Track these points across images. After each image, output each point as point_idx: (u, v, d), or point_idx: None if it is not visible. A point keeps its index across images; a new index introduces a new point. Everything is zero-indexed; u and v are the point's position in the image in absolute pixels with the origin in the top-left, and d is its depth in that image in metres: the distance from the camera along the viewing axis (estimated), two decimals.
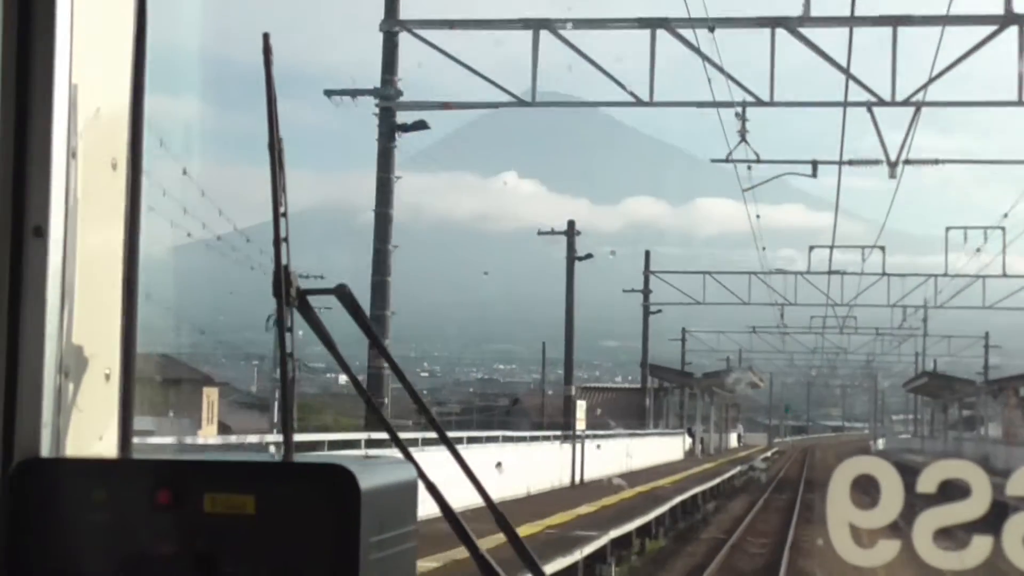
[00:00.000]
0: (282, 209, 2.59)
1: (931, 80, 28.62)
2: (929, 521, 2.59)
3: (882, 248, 61.00)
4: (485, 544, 2.64)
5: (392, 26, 31.00)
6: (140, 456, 2.53)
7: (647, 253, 75.24)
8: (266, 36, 2.60)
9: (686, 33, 28.63)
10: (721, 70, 29.15)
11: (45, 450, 2.38)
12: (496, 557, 2.66)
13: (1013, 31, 27.34)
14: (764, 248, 57.83)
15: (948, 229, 56.35)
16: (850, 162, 34.43)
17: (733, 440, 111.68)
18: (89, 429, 2.50)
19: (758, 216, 51.37)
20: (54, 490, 2.28)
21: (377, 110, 31.78)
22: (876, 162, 32.52)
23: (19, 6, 2.43)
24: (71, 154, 2.45)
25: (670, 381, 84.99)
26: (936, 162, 35.80)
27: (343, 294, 2.67)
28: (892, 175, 32.00)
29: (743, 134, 31.83)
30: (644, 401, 77.52)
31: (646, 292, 74.98)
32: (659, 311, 75.07)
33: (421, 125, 32.50)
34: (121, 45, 2.61)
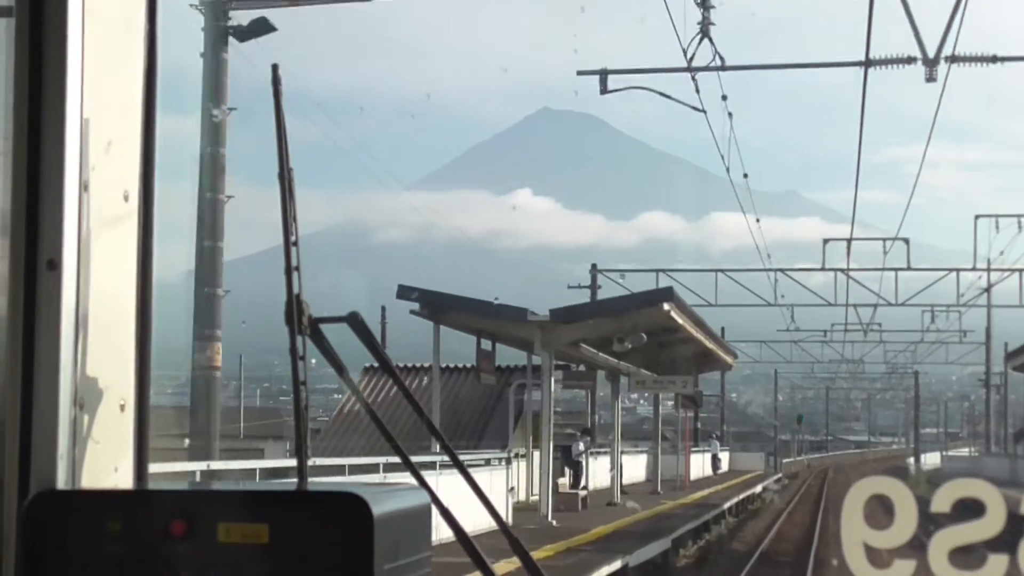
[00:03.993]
0: (293, 238, 2.61)
1: None
2: (944, 540, 2.59)
3: None
4: (500, 570, 2.61)
5: None
6: (155, 487, 2.55)
7: None
8: (275, 67, 2.63)
9: None
10: None
11: (61, 482, 2.39)
12: None
13: None
14: (769, 256, 51.19)
15: None
16: (874, 62, 25.51)
17: (701, 466, 67.94)
18: (105, 460, 2.51)
19: (758, 220, 46.76)
20: (70, 522, 2.30)
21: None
22: (911, 59, 24.88)
23: (30, 41, 2.46)
24: (83, 187, 2.47)
25: (467, 331, 35.35)
26: (994, 59, 25.78)
27: (355, 322, 2.69)
28: (931, 76, 24.68)
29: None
30: (509, 389, 42.23)
31: None
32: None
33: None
34: (132, 78, 2.63)
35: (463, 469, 3.11)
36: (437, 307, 32.75)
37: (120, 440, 2.56)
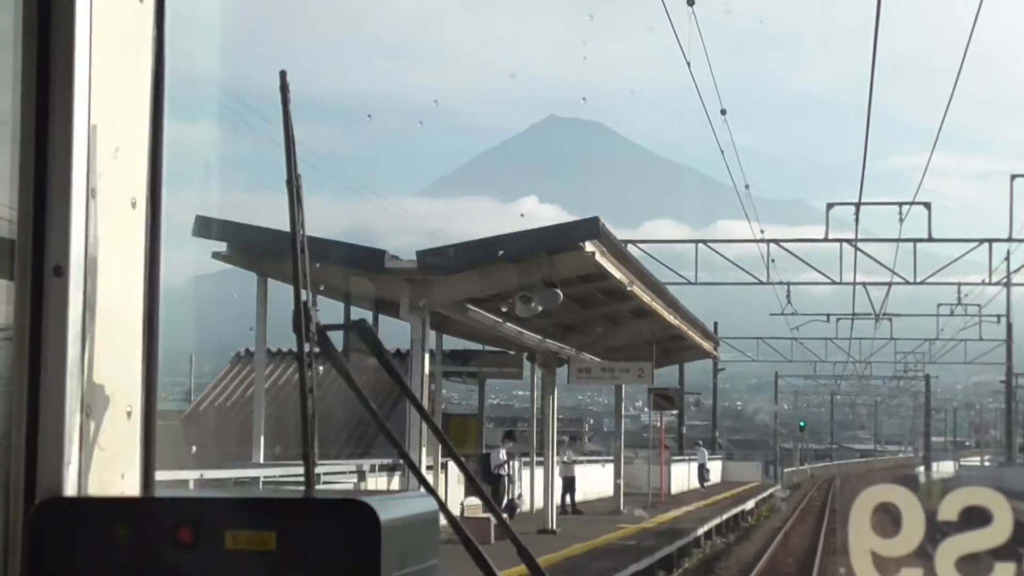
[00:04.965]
0: (301, 246, 2.61)
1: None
2: (951, 548, 2.58)
3: None
4: None
5: None
6: (162, 494, 2.54)
7: None
8: (283, 73, 2.63)
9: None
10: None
11: (68, 489, 2.39)
12: None
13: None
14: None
15: None
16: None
17: (687, 477, 61.28)
18: (111, 467, 2.51)
19: (767, 241, 44.31)
20: (77, 529, 2.29)
21: None
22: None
23: (38, 48, 2.46)
24: (90, 194, 2.47)
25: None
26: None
27: (363, 329, 2.69)
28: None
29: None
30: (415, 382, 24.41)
31: None
32: None
33: None
34: (140, 84, 2.63)
35: (469, 477, 3.10)
36: (253, 250, 21.38)
37: (127, 447, 2.56)
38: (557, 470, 35.40)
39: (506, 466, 31.57)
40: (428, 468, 25.52)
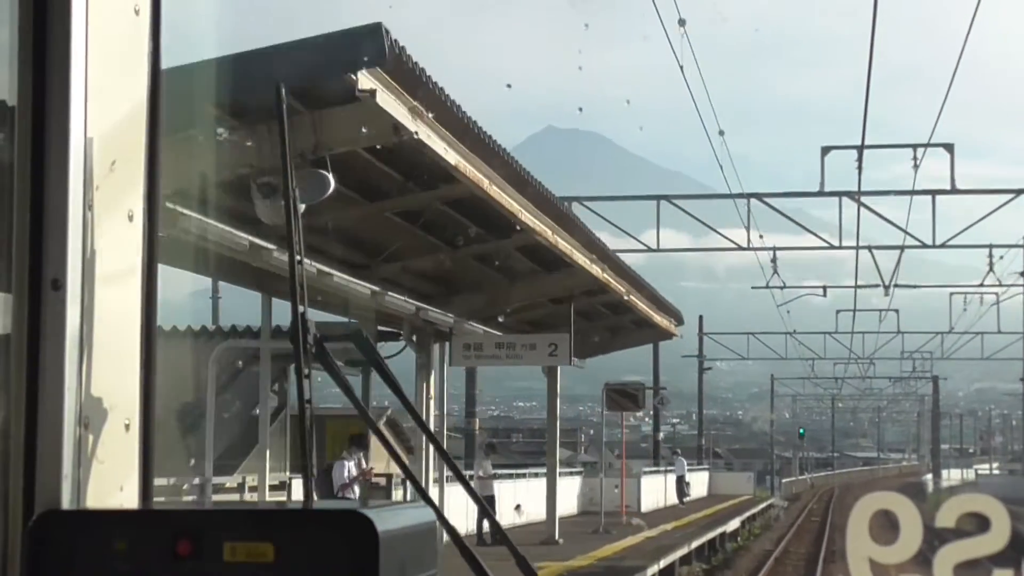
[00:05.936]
0: (298, 257, 2.62)
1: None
2: (949, 555, 2.58)
3: None
4: None
5: None
6: (161, 506, 2.55)
7: None
8: (279, 87, 2.64)
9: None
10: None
11: (65, 502, 2.39)
12: None
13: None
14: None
15: None
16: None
17: (664, 492, 52.86)
18: (109, 480, 2.51)
19: (747, 196, 37.65)
20: (75, 542, 2.29)
21: None
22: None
23: (34, 59, 2.46)
24: (87, 207, 2.47)
25: None
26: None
27: (359, 338, 2.70)
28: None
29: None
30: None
31: None
32: None
33: None
34: (136, 97, 2.64)
35: (468, 486, 3.11)
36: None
37: (125, 459, 2.57)
38: (472, 486, 28.42)
39: (355, 485, 22.09)
40: (273, 488, 20.36)
